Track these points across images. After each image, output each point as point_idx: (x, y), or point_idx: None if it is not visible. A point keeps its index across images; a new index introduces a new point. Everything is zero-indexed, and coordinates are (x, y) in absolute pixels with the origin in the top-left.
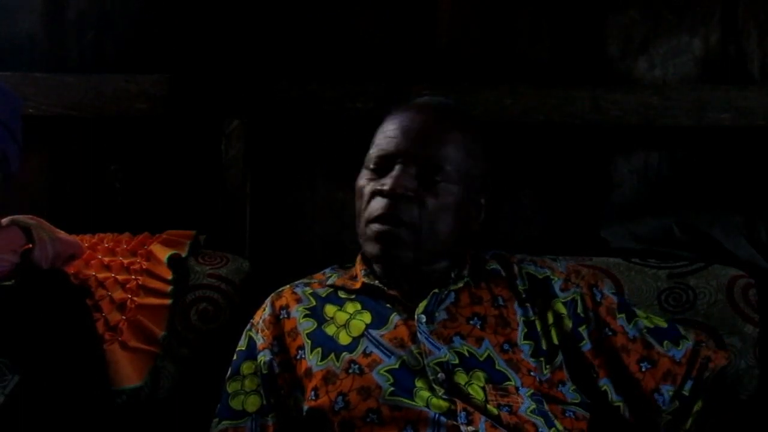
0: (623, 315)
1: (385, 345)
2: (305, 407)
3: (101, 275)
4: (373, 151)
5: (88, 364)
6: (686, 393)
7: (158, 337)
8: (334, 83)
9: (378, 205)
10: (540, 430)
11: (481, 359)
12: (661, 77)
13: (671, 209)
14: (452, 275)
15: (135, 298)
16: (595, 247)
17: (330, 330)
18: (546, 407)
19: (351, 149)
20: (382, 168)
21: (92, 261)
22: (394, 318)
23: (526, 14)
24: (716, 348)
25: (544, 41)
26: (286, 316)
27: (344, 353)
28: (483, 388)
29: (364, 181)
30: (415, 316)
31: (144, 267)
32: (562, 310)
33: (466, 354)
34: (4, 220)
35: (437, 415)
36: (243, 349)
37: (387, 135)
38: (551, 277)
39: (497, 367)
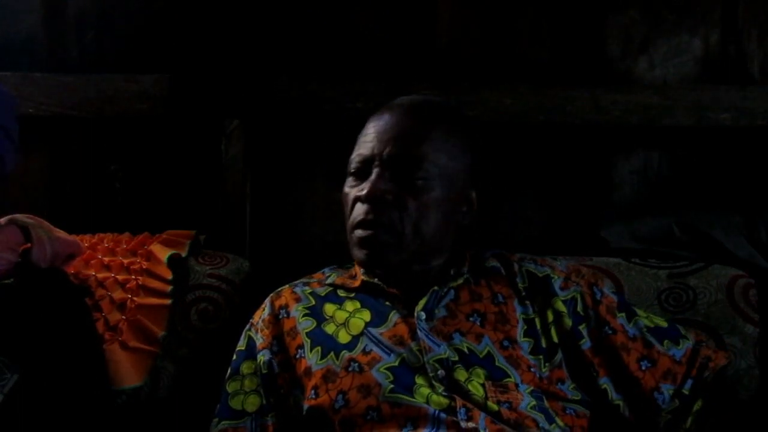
0: (623, 314)
1: (385, 343)
2: (305, 406)
3: (101, 275)
4: (353, 157)
5: (88, 363)
6: (686, 392)
7: (158, 337)
8: (334, 83)
9: (359, 211)
10: (541, 425)
11: (481, 356)
12: (661, 77)
13: (671, 209)
14: (451, 272)
15: (135, 298)
16: (595, 247)
17: (329, 329)
18: (546, 404)
19: (351, 149)
20: (361, 173)
21: (92, 261)
22: (394, 316)
23: (526, 14)
24: (716, 348)
25: (544, 41)
26: (285, 315)
27: (344, 352)
28: (483, 385)
29: (348, 188)
30: (415, 314)
31: (144, 267)
32: (562, 308)
33: (466, 351)
34: (3, 220)
35: (437, 412)
36: (242, 349)
37: (364, 139)
38: (551, 275)
39: (497, 363)
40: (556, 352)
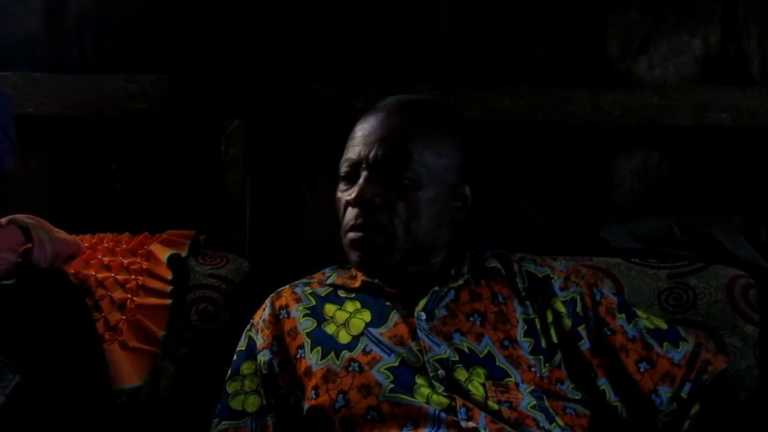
0: (623, 315)
1: (385, 343)
2: (305, 406)
3: (101, 275)
4: (342, 161)
5: (88, 363)
6: (684, 395)
7: (158, 337)
8: (334, 83)
9: (350, 215)
10: (541, 424)
11: (482, 356)
12: (661, 77)
13: (671, 209)
14: (452, 272)
15: (135, 298)
16: (595, 247)
17: (330, 329)
18: (546, 403)
19: None
20: (351, 176)
21: (92, 261)
22: (394, 316)
23: (526, 14)
24: (716, 351)
25: (544, 41)
26: (285, 315)
27: (344, 352)
28: (483, 385)
29: (339, 193)
30: (415, 314)
31: (144, 267)
32: (562, 308)
33: (466, 350)
34: (3, 220)
35: (437, 412)
36: (243, 349)
37: (351, 143)
38: (551, 275)
39: (497, 363)
40: (556, 352)
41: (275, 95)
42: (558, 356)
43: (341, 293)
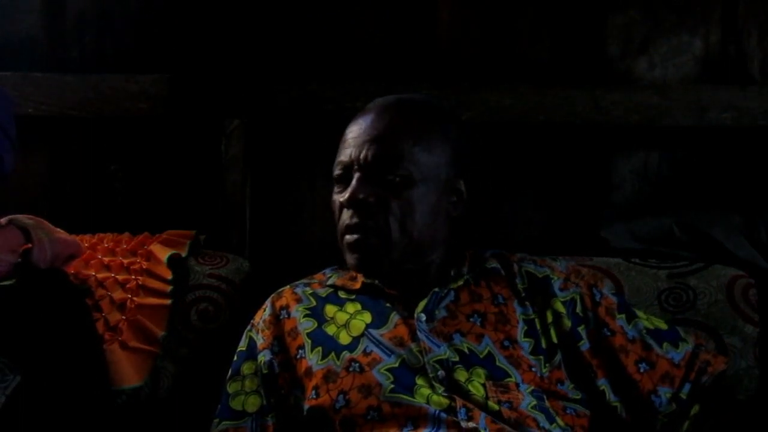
0: (623, 315)
1: (385, 344)
2: (306, 406)
3: (101, 275)
4: (335, 164)
5: (88, 364)
6: (684, 396)
7: (158, 337)
8: (334, 83)
9: (345, 217)
10: (541, 425)
11: (482, 356)
12: (661, 77)
13: (671, 209)
14: (452, 273)
15: (135, 298)
16: (595, 247)
17: (330, 330)
18: (547, 404)
19: None
20: (344, 179)
21: (92, 261)
22: (394, 317)
23: (526, 14)
24: (716, 352)
25: (544, 41)
26: (286, 316)
27: (344, 352)
28: (483, 385)
29: (334, 195)
30: (415, 315)
31: (144, 267)
32: (561, 309)
33: (467, 351)
34: (3, 220)
35: (437, 412)
36: (243, 349)
37: (343, 146)
38: (551, 276)
39: (498, 363)
40: (556, 352)
41: (275, 95)
42: (558, 356)
43: (341, 294)
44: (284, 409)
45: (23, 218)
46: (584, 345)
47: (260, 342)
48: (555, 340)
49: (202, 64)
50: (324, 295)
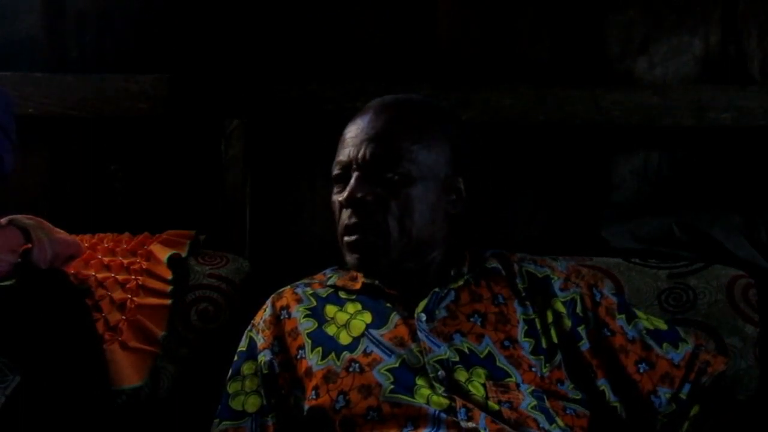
0: (623, 316)
1: (386, 344)
2: (306, 406)
3: (101, 275)
4: (333, 164)
5: (88, 364)
6: (683, 396)
7: (158, 337)
8: (334, 83)
9: (344, 216)
10: (541, 425)
11: (482, 356)
12: (661, 77)
13: (671, 209)
14: (452, 273)
15: (135, 298)
16: (595, 247)
17: (330, 330)
18: (547, 404)
19: None
20: (342, 179)
21: (92, 261)
22: (394, 317)
23: (526, 14)
24: (716, 352)
25: (544, 41)
26: (286, 316)
27: (345, 353)
28: (484, 385)
29: (334, 195)
30: (415, 315)
31: (144, 267)
32: (562, 309)
33: (467, 351)
34: (3, 220)
35: (437, 412)
36: (244, 349)
37: (341, 146)
38: (551, 276)
39: (498, 363)
40: (556, 352)
41: (275, 95)
42: (558, 356)
43: (342, 294)
44: (284, 410)
45: (23, 218)
46: (584, 345)
47: (260, 342)
48: (555, 340)
49: (202, 64)
50: (324, 296)
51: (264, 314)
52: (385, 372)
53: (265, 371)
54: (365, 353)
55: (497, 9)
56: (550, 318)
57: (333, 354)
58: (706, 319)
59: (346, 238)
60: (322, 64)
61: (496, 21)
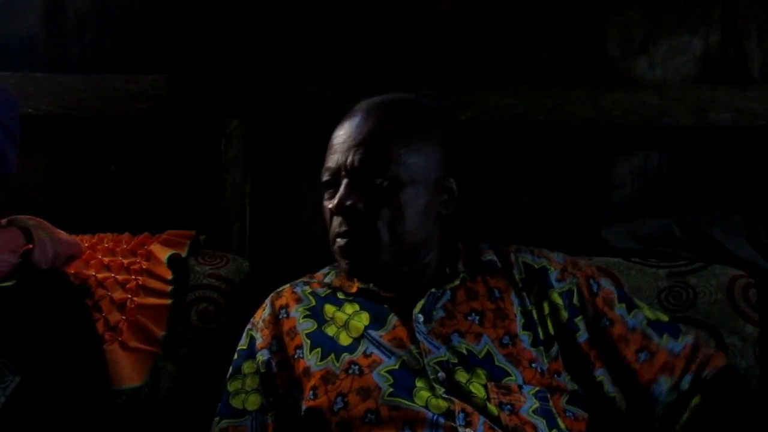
0: (623, 305)
1: (385, 345)
2: (303, 407)
3: (101, 275)
4: (323, 170)
5: (88, 364)
6: (684, 387)
7: (158, 337)
8: (334, 83)
9: (335, 223)
10: (540, 431)
11: (480, 356)
12: (661, 77)
13: (671, 209)
14: (447, 271)
15: (135, 298)
16: (595, 247)
17: (330, 330)
18: (550, 403)
19: None
20: (332, 185)
21: (92, 261)
22: (392, 319)
23: (526, 14)
24: (716, 349)
25: (544, 41)
26: (285, 315)
27: (344, 354)
28: (485, 386)
29: (324, 201)
30: (413, 317)
31: (144, 267)
32: (558, 300)
33: (465, 352)
34: (3, 221)
35: (435, 416)
36: (244, 348)
37: (330, 152)
38: (548, 267)
39: (497, 363)
40: (553, 343)
41: (275, 95)
42: (555, 348)
43: (340, 295)
44: (282, 409)
45: (24, 219)
46: (582, 336)
47: (259, 341)
48: (552, 331)
49: (202, 64)
50: (323, 295)
51: (263, 313)
52: (385, 373)
53: (263, 370)
54: (365, 354)
55: (497, 9)
56: (546, 309)
57: (332, 355)
58: (705, 318)
59: (337, 242)
60: (322, 64)
61: (496, 21)
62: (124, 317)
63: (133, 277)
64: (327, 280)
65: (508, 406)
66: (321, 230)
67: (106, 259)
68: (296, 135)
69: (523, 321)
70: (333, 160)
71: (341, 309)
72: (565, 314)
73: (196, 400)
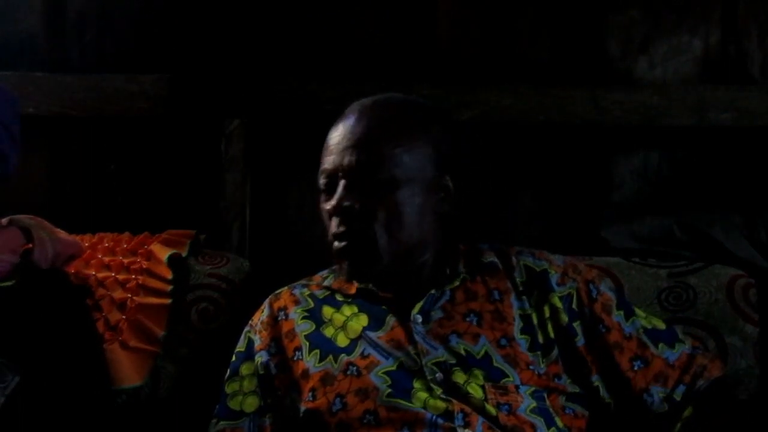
0: (621, 312)
1: (383, 346)
2: (302, 408)
3: (101, 275)
4: (319, 172)
5: (88, 364)
6: (677, 398)
7: (158, 337)
8: (334, 83)
9: (333, 225)
10: (539, 430)
11: (478, 357)
12: (661, 77)
13: (671, 209)
14: (447, 272)
15: (135, 298)
16: (595, 247)
17: (328, 332)
18: (547, 403)
19: None
20: (330, 187)
21: (92, 260)
22: (390, 320)
23: (526, 14)
24: (714, 357)
25: (544, 41)
26: (284, 317)
27: (342, 355)
28: (482, 387)
29: (322, 203)
30: (411, 317)
31: (144, 266)
32: (559, 304)
33: (463, 353)
34: (4, 220)
35: (434, 417)
36: (242, 350)
37: (325, 154)
38: (548, 270)
39: (495, 363)
40: (553, 347)
41: (275, 95)
42: (555, 351)
43: (338, 297)
44: (281, 410)
45: (24, 218)
46: (580, 341)
47: (258, 343)
48: (552, 335)
49: (202, 64)
50: (321, 297)
51: (261, 315)
52: (383, 375)
53: (261, 372)
54: (363, 356)
55: (497, 9)
56: (547, 313)
57: (330, 357)
58: (706, 318)
59: (335, 244)
60: (322, 64)
61: (496, 21)
62: (124, 317)
63: (134, 276)
64: (326, 283)
65: (506, 407)
66: (321, 230)
67: (106, 259)
68: (296, 135)
69: (521, 325)
70: (329, 161)
71: (339, 311)
72: (564, 318)
73: (195, 400)
